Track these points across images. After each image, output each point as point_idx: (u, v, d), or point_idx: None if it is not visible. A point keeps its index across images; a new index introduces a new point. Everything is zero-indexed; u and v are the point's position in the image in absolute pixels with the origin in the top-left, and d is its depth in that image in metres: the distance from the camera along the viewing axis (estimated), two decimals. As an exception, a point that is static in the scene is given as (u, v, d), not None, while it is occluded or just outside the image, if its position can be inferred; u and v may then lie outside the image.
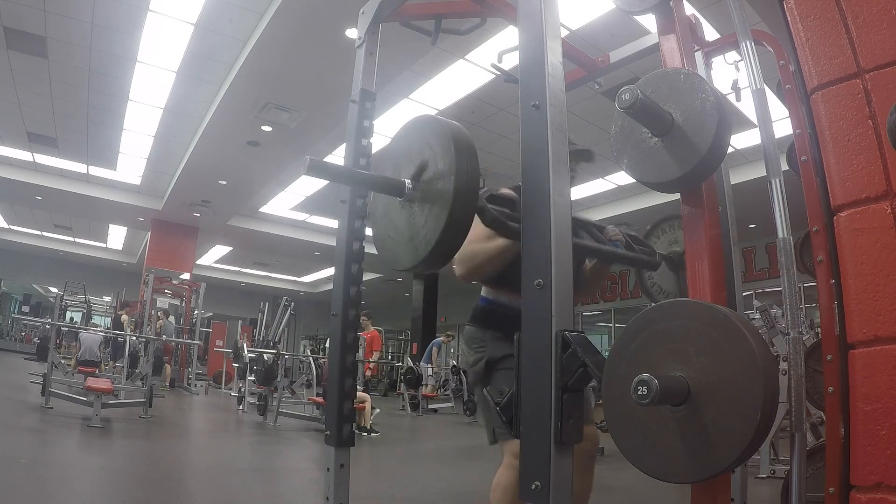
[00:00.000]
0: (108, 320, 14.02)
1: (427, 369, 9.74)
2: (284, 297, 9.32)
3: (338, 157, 8.01)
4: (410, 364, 9.63)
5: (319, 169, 1.08)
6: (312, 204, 10.67)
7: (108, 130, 7.84)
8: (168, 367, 9.71)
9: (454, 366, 9.48)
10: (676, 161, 1.05)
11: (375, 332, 9.20)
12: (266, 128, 7.10)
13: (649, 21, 1.45)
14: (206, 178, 8.97)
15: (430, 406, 9.62)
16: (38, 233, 15.29)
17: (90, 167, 9.44)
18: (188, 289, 11.80)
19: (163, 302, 11.09)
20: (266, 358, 7.13)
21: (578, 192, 8.84)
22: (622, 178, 8.23)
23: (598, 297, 13.04)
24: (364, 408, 6.01)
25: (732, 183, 2.01)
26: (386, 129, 6.92)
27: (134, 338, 7.70)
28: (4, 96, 6.96)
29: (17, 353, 14.38)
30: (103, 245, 16.18)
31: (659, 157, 1.08)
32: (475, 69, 5.74)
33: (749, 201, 3.46)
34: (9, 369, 9.86)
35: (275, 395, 6.57)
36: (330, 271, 15.82)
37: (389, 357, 16.59)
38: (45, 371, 5.47)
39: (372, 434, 5.96)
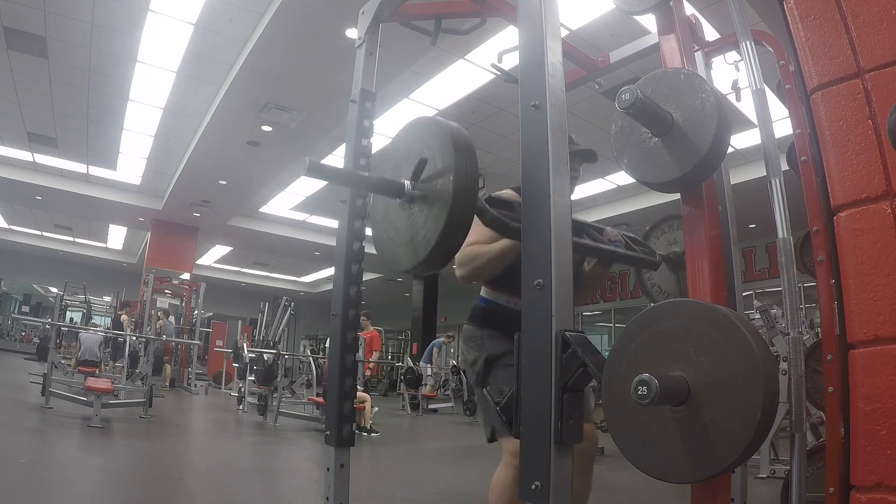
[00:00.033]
0: (108, 320, 14.02)
1: (426, 369, 9.74)
2: (284, 297, 9.32)
3: (338, 156, 8.01)
4: (410, 364, 9.63)
5: (319, 171, 1.08)
6: (312, 204, 10.67)
7: (108, 130, 7.84)
8: (168, 367, 9.71)
9: (454, 366, 9.48)
10: (676, 161, 1.05)
11: (375, 332, 9.20)
12: (266, 128, 7.10)
13: (649, 21, 1.45)
14: (206, 178, 8.97)
15: (430, 406, 9.62)
16: (38, 233, 15.29)
17: (90, 167, 9.44)
18: (188, 289, 11.80)
19: (163, 302, 11.09)
20: (266, 358, 7.13)
21: (578, 191, 8.77)
22: (622, 178, 8.23)
23: (598, 297, 13.05)
24: (364, 408, 6.01)
25: (732, 183, 2.02)
26: (386, 129, 6.91)
27: (134, 338, 7.70)
28: (4, 96, 6.96)
29: (17, 353, 14.38)
30: (103, 245, 16.18)
31: (659, 157, 1.08)
32: (475, 69, 5.73)
33: (749, 201, 3.46)
34: (9, 369, 9.86)
35: (275, 395, 6.57)
36: (330, 271, 15.82)
37: (389, 357, 16.59)
38: (45, 371, 5.47)
39: (372, 434, 5.96)
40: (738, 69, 1.87)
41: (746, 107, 3.70)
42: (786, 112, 1.78)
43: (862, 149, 0.84)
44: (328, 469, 1.46)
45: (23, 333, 19.37)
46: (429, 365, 10.00)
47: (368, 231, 1.46)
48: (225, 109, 6.64)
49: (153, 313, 9.86)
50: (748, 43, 1.66)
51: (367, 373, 8.81)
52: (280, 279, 19.78)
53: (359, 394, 5.65)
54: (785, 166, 1.69)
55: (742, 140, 6.53)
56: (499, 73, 1.96)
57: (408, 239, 1.11)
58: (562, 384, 0.90)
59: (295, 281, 19.91)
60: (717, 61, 1.96)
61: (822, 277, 1.57)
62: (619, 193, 9.11)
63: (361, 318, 4.93)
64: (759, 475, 3.81)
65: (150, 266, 11.01)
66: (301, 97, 6.27)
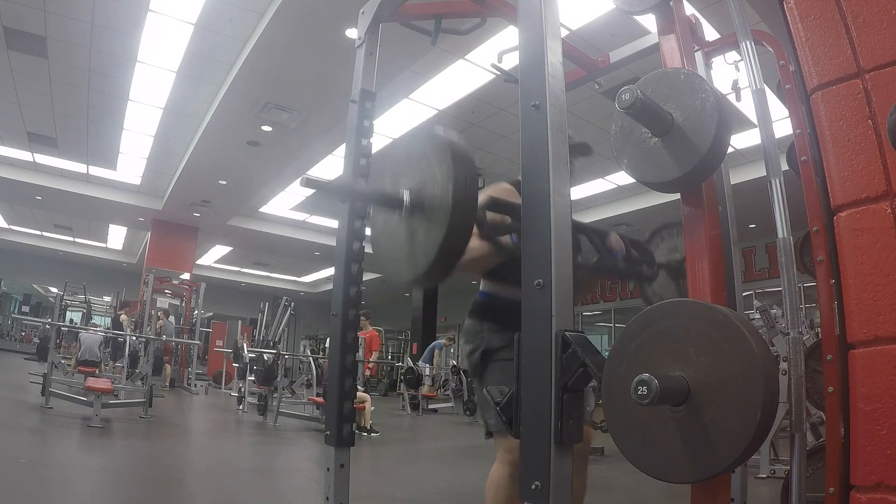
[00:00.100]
0: (108, 320, 14.02)
1: (425, 369, 9.75)
2: (284, 297, 9.32)
3: (338, 156, 8.01)
4: (410, 364, 9.64)
5: (315, 185, 1.08)
6: (312, 204, 10.67)
7: (108, 130, 7.84)
8: (168, 367, 9.71)
9: (454, 366, 9.49)
10: (676, 161, 1.05)
11: (374, 332, 9.20)
12: (266, 128, 7.10)
13: (649, 21, 1.45)
14: (206, 178, 8.97)
15: (430, 406, 9.62)
16: (38, 233, 15.29)
17: (90, 167, 9.44)
18: (188, 289, 11.80)
19: (163, 302, 11.09)
20: (266, 358, 7.12)
21: (578, 192, 8.84)
22: (622, 178, 8.23)
23: (598, 296, 13.06)
24: (364, 408, 6.01)
25: (732, 183, 2.02)
26: (386, 129, 6.92)
27: (134, 338, 7.70)
28: (4, 96, 6.96)
29: (17, 353, 14.37)
30: (103, 245, 16.18)
31: (659, 157, 1.07)
32: (475, 69, 5.73)
33: (749, 201, 3.46)
34: (9, 369, 9.86)
35: (275, 395, 6.57)
36: (330, 271, 15.82)
37: (389, 357, 16.59)
38: (45, 371, 5.47)
39: (372, 434, 5.96)
40: (738, 69, 1.87)
41: (746, 107, 3.70)
42: (786, 112, 1.78)
43: (862, 149, 0.84)
44: (328, 469, 1.46)
45: (23, 333, 19.39)
46: (427, 365, 10.01)
47: (368, 231, 1.46)
48: (225, 109, 6.64)
49: (153, 313, 9.86)
50: (748, 43, 1.66)
51: (367, 373, 8.81)
52: (280, 279, 19.78)
53: (359, 394, 5.65)
54: (785, 166, 1.69)
55: (742, 140, 6.53)
56: (499, 73, 1.96)
57: (407, 251, 1.11)
58: (562, 384, 0.90)
59: (295, 281, 19.91)
60: (717, 61, 1.97)
61: (822, 277, 1.57)
62: (619, 193, 9.11)
63: (360, 317, 4.93)
64: (759, 475, 3.81)
65: (150, 266, 11.01)
66: (301, 97, 6.27)
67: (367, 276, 1.59)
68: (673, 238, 1.83)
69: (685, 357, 0.84)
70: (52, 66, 6.17)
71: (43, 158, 9.16)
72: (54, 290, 17.18)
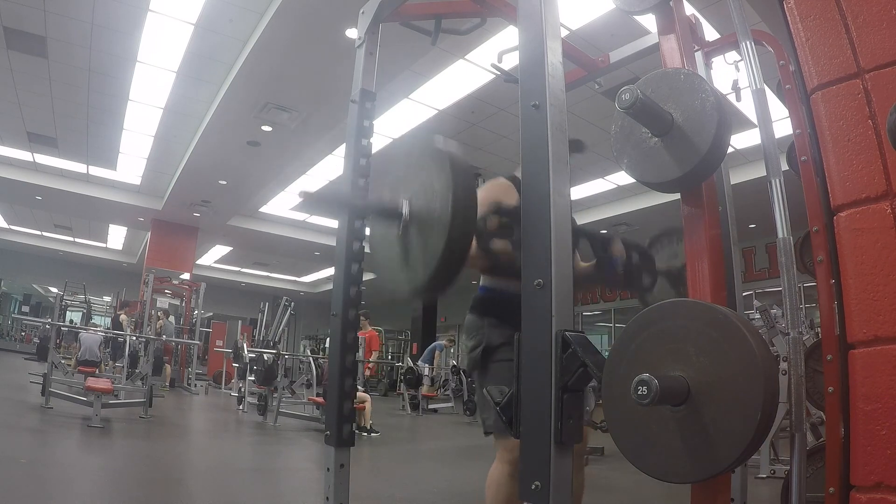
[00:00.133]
0: (108, 320, 14.02)
1: (424, 368, 9.75)
2: (284, 297, 9.33)
3: (338, 156, 8.01)
4: (410, 364, 9.64)
5: (313, 201, 1.08)
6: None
7: (108, 130, 7.84)
8: (168, 367, 9.71)
9: (454, 366, 9.49)
10: (676, 161, 1.05)
11: (373, 332, 9.20)
12: (266, 128, 7.10)
13: (649, 21, 1.45)
14: (206, 178, 8.97)
15: (430, 406, 9.62)
16: (38, 233, 15.29)
17: (90, 167, 9.44)
18: (188, 289, 11.80)
19: (163, 302, 11.09)
20: (266, 358, 7.13)
21: (578, 192, 8.84)
22: (622, 178, 8.23)
23: (598, 296, 13.06)
24: (364, 408, 6.01)
25: (732, 183, 2.02)
26: (386, 129, 6.92)
27: (134, 338, 7.70)
28: (4, 96, 6.95)
29: (17, 353, 14.37)
30: (103, 245, 16.18)
31: (659, 157, 1.07)
32: (475, 69, 5.73)
33: (749, 201, 3.45)
34: (9, 369, 9.86)
35: (275, 395, 6.57)
36: (330, 271, 15.82)
37: (389, 357, 16.59)
38: (45, 371, 5.47)
39: (372, 434, 5.96)
40: (738, 69, 1.87)
41: (746, 107, 3.70)
42: (786, 112, 1.78)
43: (862, 149, 0.84)
44: (328, 469, 1.46)
45: (23, 333, 19.38)
46: (427, 365, 10.02)
47: (367, 230, 1.46)
48: (225, 109, 6.64)
49: (153, 313, 9.86)
50: (748, 43, 1.66)
51: (367, 373, 8.82)
52: (280, 279, 19.77)
53: (359, 394, 5.66)
54: (785, 166, 1.69)
55: (742, 140, 6.53)
56: (499, 73, 1.96)
57: (406, 265, 1.11)
58: (562, 384, 0.90)
59: (295, 281, 19.91)
60: (717, 61, 1.96)
61: (822, 277, 1.57)
62: (619, 193, 9.11)
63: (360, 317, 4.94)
64: (759, 475, 3.81)
65: (150, 266, 11.01)
66: (301, 97, 6.27)
67: (367, 276, 1.59)
68: (673, 245, 1.82)
69: (685, 357, 0.84)
70: (52, 66, 6.17)
71: (43, 158, 9.15)
72: (54, 290, 17.18)
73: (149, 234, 12.10)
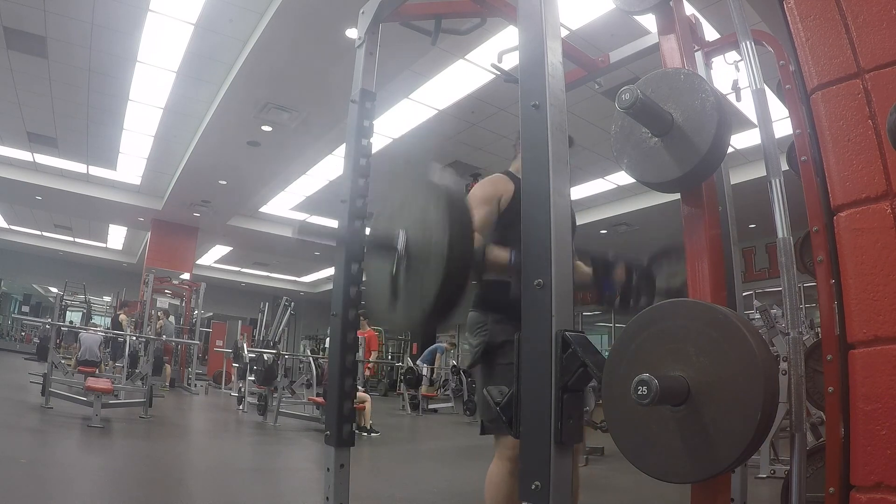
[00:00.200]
0: (108, 320, 14.02)
1: (423, 368, 9.76)
2: (284, 297, 9.32)
3: (338, 156, 8.00)
4: (410, 364, 9.64)
5: (309, 232, 1.08)
6: (312, 204, 10.66)
7: (108, 130, 7.84)
8: (168, 367, 9.71)
9: (454, 366, 9.49)
10: (676, 161, 1.05)
11: (373, 332, 9.20)
12: (266, 128, 7.10)
13: (649, 21, 1.45)
14: (206, 178, 8.97)
15: (430, 406, 9.62)
16: (38, 233, 15.29)
17: (90, 167, 9.44)
18: (188, 289, 11.80)
19: (163, 302, 11.09)
20: (266, 358, 7.13)
21: (578, 192, 8.85)
22: (622, 178, 8.23)
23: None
24: (364, 408, 6.01)
25: (732, 183, 2.02)
26: (386, 129, 6.93)
27: (134, 338, 7.70)
28: (4, 96, 6.95)
29: (17, 353, 14.36)
30: (103, 245, 16.18)
31: (659, 157, 1.07)
32: (475, 69, 5.73)
33: (749, 201, 3.45)
34: (9, 369, 9.86)
35: (275, 395, 6.57)
36: (330, 271, 15.81)
37: (389, 357, 16.59)
38: (45, 371, 5.47)
39: (372, 434, 5.96)
40: (738, 69, 1.87)
41: (746, 107, 3.70)
42: (786, 112, 1.78)
43: (862, 149, 0.84)
44: (328, 469, 1.46)
45: (23, 333, 19.37)
46: (426, 365, 10.02)
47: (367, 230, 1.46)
48: (225, 109, 6.64)
49: (153, 313, 9.86)
50: (748, 43, 1.66)
51: (366, 373, 8.82)
52: (280, 279, 19.78)
53: (359, 394, 5.66)
54: (785, 166, 1.69)
55: (742, 140, 6.52)
56: (499, 73, 1.96)
57: (402, 298, 1.10)
58: (562, 384, 0.90)
59: (295, 281, 19.91)
60: (717, 61, 1.97)
61: (822, 277, 1.57)
62: (619, 193, 9.11)
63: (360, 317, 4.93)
64: (759, 475, 3.81)
65: (150, 266, 11.01)
66: (301, 97, 6.27)
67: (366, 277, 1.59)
68: (672, 265, 1.80)
69: (685, 357, 0.84)
70: (52, 66, 6.17)
71: (43, 158, 9.15)
72: (54, 290, 17.18)
73: (149, 234, 12.10)
